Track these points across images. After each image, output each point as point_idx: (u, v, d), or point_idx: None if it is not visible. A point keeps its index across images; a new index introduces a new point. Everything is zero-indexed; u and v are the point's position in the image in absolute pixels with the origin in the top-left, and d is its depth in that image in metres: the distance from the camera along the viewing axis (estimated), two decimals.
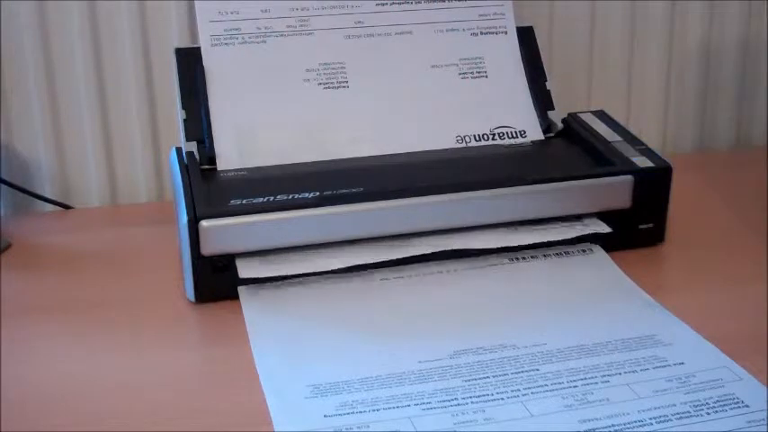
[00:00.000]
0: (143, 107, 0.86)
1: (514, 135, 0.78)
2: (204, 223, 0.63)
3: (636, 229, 0.72)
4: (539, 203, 0.69)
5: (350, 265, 0.65)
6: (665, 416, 0.52)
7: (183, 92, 0.75)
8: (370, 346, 0.60)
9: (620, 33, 0.95)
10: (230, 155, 0.73)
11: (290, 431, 0.51)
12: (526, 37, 0.82)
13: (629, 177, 0.70)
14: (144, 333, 0.62)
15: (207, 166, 0.72)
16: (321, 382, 0.56)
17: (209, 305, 0.65)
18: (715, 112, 1.00)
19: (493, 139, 0.78)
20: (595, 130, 0.77)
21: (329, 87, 0.77)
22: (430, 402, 0.53)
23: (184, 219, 0.64)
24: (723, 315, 0.63)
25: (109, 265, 0.73)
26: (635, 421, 0.51)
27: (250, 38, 0.77)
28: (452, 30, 0.80)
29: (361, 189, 0.67)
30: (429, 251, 0.67)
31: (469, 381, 0.56)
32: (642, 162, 0.72)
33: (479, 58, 0.80)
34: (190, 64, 0.75)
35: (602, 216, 0.71)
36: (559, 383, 0.55)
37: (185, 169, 0.69)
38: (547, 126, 0.79)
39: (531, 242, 0.68)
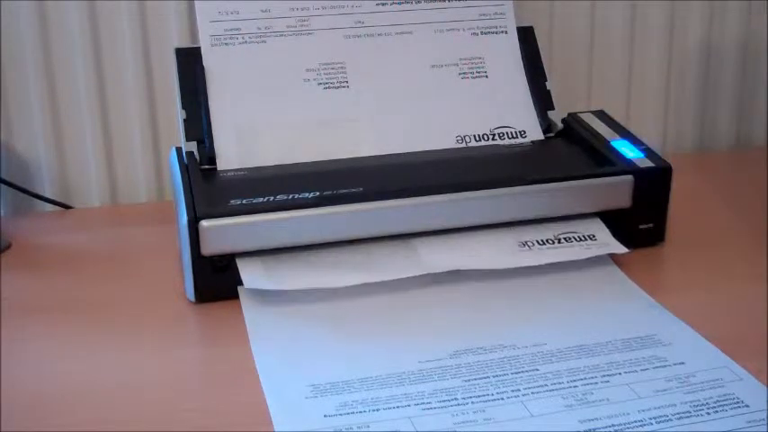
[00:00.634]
0: (143, 107, 0.86)
1: (514, 135, 0.78)
2: (204, 223, 0.63)
3: (636, 229, 0.72)
4: (539, 203, 0.69)
5: (359, 283, 0.64)
6: (665, 416, 0.52)
7: (183, 92, 0.75)
8: (370, 346, 0.60)
9: (620, 33, 0.94)
10: (230, 155, 0.73)
11: (289, 431, 0.51)
12: (526, 37, 0.82)
13: (629, 177, 0.70)
14: (144, 333, 0.62)
15: (207, 166, 0.72)
16: (321, 381, 0.56)
17: (209, 305, 0.65)
18: (715, 112, 1.00)
19: (493, 139, 0.78)
20: (595, 130, 0.77)
21: (329, 87, 0.77)
22: (430, 402, 0.53)
23: (184, 219, 0.64)
24: (723, 315, 0.63)
25: (109, 265, 0.73)
26: (635, 421, 0.51)
27: (250, 38, 0.77)
28: (452, 30, 0.80)
29: (361, 189, 0.67)
30: (437, 271, 0.65)
31: (469, 381, 0.55)
32: (642, 162, 0.72)
33: (479, 58, 0.80)
34: (190, 64, 0.75)
35: (603, 216, 0.71)
36: (559, 383, 0.55)
37: (185, 169, 0.69)
38: (547, 126, 0.79)
39: (544, 262, 0.67)
